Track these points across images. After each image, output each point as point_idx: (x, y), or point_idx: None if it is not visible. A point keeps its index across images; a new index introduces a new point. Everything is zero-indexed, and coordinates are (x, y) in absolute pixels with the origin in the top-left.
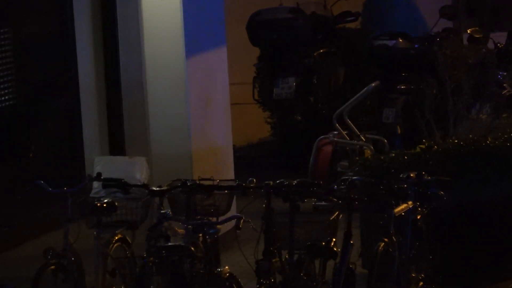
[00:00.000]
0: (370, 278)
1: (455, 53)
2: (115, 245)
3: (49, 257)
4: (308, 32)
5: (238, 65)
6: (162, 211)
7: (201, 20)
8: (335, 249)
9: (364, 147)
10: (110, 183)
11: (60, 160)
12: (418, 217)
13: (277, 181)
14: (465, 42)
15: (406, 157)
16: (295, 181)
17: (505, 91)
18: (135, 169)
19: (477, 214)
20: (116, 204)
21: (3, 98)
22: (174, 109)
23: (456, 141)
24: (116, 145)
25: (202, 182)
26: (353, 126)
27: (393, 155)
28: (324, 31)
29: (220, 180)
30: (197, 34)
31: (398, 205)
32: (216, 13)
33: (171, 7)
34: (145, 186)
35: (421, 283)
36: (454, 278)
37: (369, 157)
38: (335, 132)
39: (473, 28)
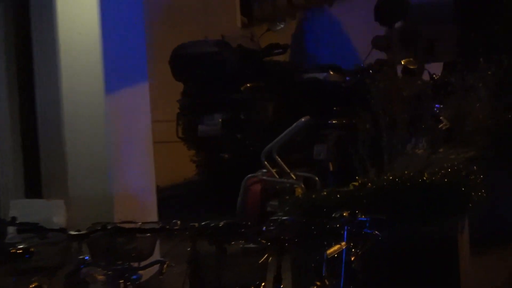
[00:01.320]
0: None
1: (388, 85)
2: None
3: None
4: (234, 65)
5: (162, 101)
6: (80, 257)
7: (122, 54)
8: None
9: (295, 186)
10: (25, 228)
11: None
12: (353, 258)
13: (203, 223)
14: (399, 74)
15: (339, 195)
16: (222, 222)
17: (442, 124)
18: (52, 212)
19: (415, 254)
20: (32, 250)
21: None
22: (94, 148)
23: (391, 177)
24: (33, 187)
25: (123, 225)
26: (283, 164)
27: (325, 193)
28: (252, 65)
29: (142, 223)
30: (117, 70)
31: (331, 246)
32: (137, 47)
33: (89, 42)
34: (62, 230)
35: None
36: None
37: (300, 196)
38: (264, 170)
39: (407, 59)
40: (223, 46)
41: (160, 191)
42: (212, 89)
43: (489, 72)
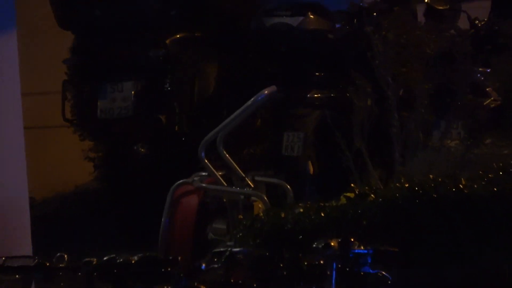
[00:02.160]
0: None
1: (403, 37)
2: None
3: None
4: (154, 4)
5: (38, 63)
6: None
7: None
8: None
9: (253, 198)
10: None
11: None
12: None
13: (105, 258)
14: (420, 18)
15: (323, 214)
16: (136, 257)
17: (489, 100)
18: None
19: None
20: None
21: None
22: None
23: (407, 184)
24: None
25: None
26: (234, 163)
27: (302, 210)
28: (182, 3)
29: (6, 258)
30: None
31: None
32: None
33: None
34: None
35: None
36: None
37: (261, 214)
38: (204, 174)
39: None
40: None
41: (36, 206)
42: (120, 42)
43: None
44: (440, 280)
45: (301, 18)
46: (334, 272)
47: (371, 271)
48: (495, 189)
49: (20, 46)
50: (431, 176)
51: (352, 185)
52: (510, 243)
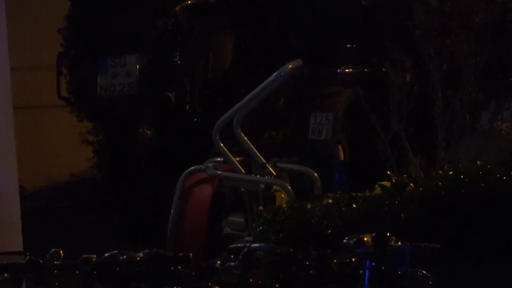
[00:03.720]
0: None
1: (448, 4)
2: None
3: None
4: None
5: (28, 33)
6: None
7: None
8: None
9: (275, 188)
10: None
11: None
12: None
13: (106, 254)
14: None
15: (355, 205)
16: (141, 254)
17: None
18: None
19: None
20: None
21: None
22: None
23: (451, 173)
24: None
25: None
26: (253, 148)
27: (331, 201)
28: None
29: None
30: None
31: None
32: None
33: None
34: None
35: None
36: None
37: (285, 206)
38: (219, 159)
39: None
40: None
41: (26, 197)
42: (123, 10)
43: None
44: (487, 280)
45: None
46: (367, 272)
47: (409, 270)
48: None
49: (8, 14)
50: (478, 163)
51: (388, 173)
52: None
